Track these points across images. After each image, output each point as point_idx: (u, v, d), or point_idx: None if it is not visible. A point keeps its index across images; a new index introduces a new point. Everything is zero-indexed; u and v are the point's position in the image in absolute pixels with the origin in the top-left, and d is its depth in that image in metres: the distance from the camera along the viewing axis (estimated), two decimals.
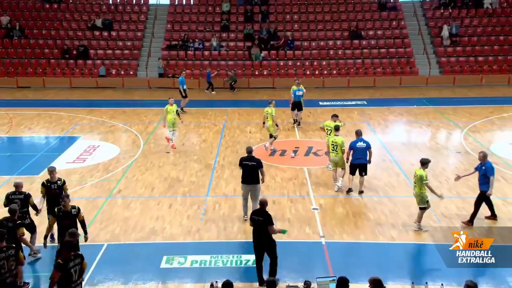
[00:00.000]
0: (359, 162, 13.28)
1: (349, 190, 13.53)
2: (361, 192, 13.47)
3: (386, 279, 8.82)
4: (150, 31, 30.97)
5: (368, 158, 13.30)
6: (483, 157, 11.59)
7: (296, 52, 29.55)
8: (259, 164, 11.75)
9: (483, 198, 11.59)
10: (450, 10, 31.18)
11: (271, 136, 16.72)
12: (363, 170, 13.32)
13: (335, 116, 15.05)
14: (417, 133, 20.05)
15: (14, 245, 8.26)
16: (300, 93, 19.60)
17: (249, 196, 11.93)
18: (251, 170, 11.75)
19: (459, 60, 28.95)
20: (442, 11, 31.22)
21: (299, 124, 19.98)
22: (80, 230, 9.23)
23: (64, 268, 7.53)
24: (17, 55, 29.48)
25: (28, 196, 10.38)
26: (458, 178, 12.00)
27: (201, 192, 13.81)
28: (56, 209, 9.51)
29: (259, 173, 11.78)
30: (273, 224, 9.22)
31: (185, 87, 22.37)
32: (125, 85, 28.12)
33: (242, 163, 11.90)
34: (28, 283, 9.48)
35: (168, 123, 17.12)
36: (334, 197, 13.41)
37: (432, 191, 11.41)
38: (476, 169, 11.77)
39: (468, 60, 28.90)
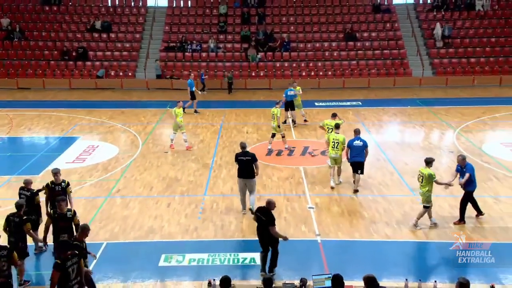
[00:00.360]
0: (355, 160, 13.38)
1: (355, 191, 13.66)
2: (356, 191, 13.50)
3: (380, 276, 8.84)
4: (148, 33, 30.93)
5: (365, 157, 13.39)
6: (462, 160, 11.65)
7: (292, 54, 29.57)
8: (253, 158, 12.02)
9: (468, 198, 11.62)
10: (443, 12, 31.27)
11: (273, 135, 16.93)
12: (359, 168, 13.39)
13: (334, 115, 15.33)
14: (410, 133, 20.08)
15: (7, 246, 8.19)
16: (292, 92, 19.80)
17: (246, 190, 12.18)
18: (246, 164, 12.01)
19: (452, 62, 29.04)
20: (435, 13, 31.30)
21: (294, 123, 20.06)
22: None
23: (63, 267, 7.56)
24: (17, 57, 29.41)
25: (34, 194, 10.40)
26: (448, 185, 11.96)
27: (198, 191, 13.80)
28: (52, 211, 9.50)
29: (254, 167, 12.01)
30: (274, 225, 9.26)
31: (193, 89, 22.31)
32: (123, 86, 28.08)
33: (238, 158, 12.17)
34: (28, 281, 9.46)
35: (175, 126, 16.96)
36: (329, 196, 13.42)
37: (442, 183, 11.54)
38: (457, 171, 11.76)
39: (461, 62, 28.99)
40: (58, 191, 10.41)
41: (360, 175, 13.46)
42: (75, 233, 9.28)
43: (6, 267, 7.99)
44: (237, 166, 12.31)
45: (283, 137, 16.89)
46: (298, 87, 19.99)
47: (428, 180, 11.16)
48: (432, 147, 17.66)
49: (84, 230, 8.39)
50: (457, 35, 30.18)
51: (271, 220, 9.25)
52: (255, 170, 12.06)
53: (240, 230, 11.52)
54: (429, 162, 11.40)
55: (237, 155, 12.25)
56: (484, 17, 31.05)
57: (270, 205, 9.40)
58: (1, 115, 22.17)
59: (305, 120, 20.47)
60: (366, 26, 30.88)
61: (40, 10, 31.68)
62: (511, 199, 13.12)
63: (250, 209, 12.03)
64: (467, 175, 11.40)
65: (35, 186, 11.12)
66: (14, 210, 9.51)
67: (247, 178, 12.03)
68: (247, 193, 12.23)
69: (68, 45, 29.69)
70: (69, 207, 9.86)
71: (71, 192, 10.78)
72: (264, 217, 9.30)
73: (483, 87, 27.14)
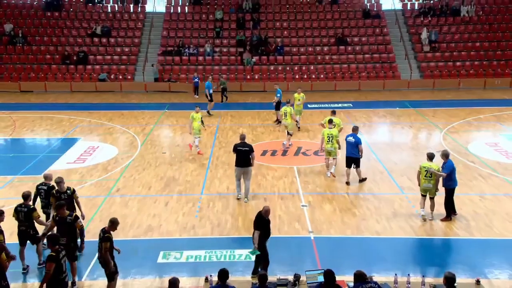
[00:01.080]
0: (349, 155, 13.77)
1: (347, 183, 13.90)
2: (361, 180, 13.91)
3: (370, 271, 8.86)
4: (146, 37, 30.87)
5: (359, 154, 13.68)
6: (442, 155, 11.70)
7: (285, 58, 29.58)
8: (251, 149, 12.63)
9: (450, 196, 11.65)
10: (430, 18, 31.39)
11: (288, 133, 17.29)
12: (354, 163, 13.77)
13: (334, 112, 15.90)
14: (399, 133, 20.14)
15: None
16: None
17: (242, 178, 12.72)
18: (244, 154, 12.55)
19: (438, 65, 29.15)
20: (422, 19, 31.42)
21: (279, 123, 20.24)
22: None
23: (57, 258, 7.64)
24: (20, 61, 29.25)
25: (51, 188, 10.38)
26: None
27: (196, 191, 13.77)
28: (54, 214, 9.40)
29: (251, 158, 12.45)
30: (255, 230, 9.04)
31: (211, 91, 22.22)
32: (123, 89, 28.00)
33: (237, 148, 12.69)
34: (28, 266, 9.62)
35: (195, 130, 16.55)
36: (322, 194, 13.43)
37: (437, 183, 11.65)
38: (442, 168, 11.81)
39: (447, 65, 29.11)
40: (64, 199, 10.02)
41: (357, 168, 13.82)
42: (78, 237, 9.26)
43: None
44: (234, 154, 12.82)
45: (289, 134, 17.27)
46: (302, 93, 19.77)
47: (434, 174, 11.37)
48: (420, 147, 17.71)
49: (114, 223, 8.53)
50: (443, 39, 30.31)
51: (254, 224, 9.12)
52: (252, 161, 12.59)
53: (236, 228, 11.50)
54: (433, 157, 11.57)
55: (236, 146, 12.78)
56: (469, 22, 31.19)
57: (265, 213, 9.14)
58: (4, 117, 22.04)
59: (298, 128, 20.09)
60: (356, 31, 30.95)
61: (42, 15, 31.52)
62: (495, 196, 13.18)
63: (246, 200, 12.80)
64: (443, 174, 11.43)
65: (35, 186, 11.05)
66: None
67: (244, 166, 12.56)
68: (242, 181, 12.78)
69: (69, 50, 29.57)
70: (74, 211, 9.79)
71: (77, 197, 10.48)
72: (255, 221, 9.17)
73: (468, 90, 27.28)
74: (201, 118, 16.77)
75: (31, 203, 9.85)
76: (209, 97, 22.20)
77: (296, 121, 19.48)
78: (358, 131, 14.11)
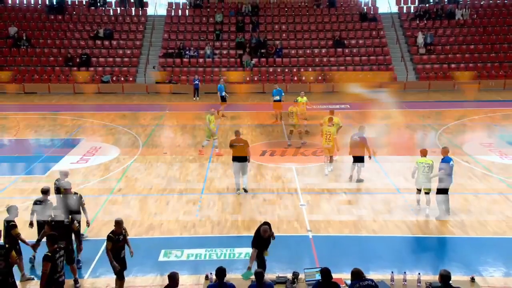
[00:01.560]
0: (355, 154, 13.88)
1: (350, 177, 14.04)
2: (358, 180, 13.89)
3: (367, 269, 8.86)
4: (148, 40, 30.86)
5: (367, 152, 13.76)
6: (442, 151, 11.75)
7: (284, 60, 29.59)
8: (245, 144, 13.13)
9: (445, 192, 11.63)
10: (425, 21, 31.42)
11: (291, 132, 17.50)
12: (359, 161, 13.83)
13: (332, 112, 16.17)
14: (395, 134, 20.10)
15: (6, 245, 8.09)
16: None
17: (240, 172, 13.09)
18: (240, 149, 13.00)
19: (434, 67, 29.18)
20: (418, 22, 31.46)
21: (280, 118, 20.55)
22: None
23: (53, 258, 7.58)
24: (24, 63, 29.24)
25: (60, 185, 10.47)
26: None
27: (196, 190, 13.75)
28: (49, 219, 9.23)
29: (247, 152, 12.96)
30: (253, 248, 8.71)
31: (223, 94, 22.16)
32: (124, 90, 27.98)
33: (233, 144, 12.99)
34: (34, 258, 9.62)
35: (210, 132, 16.41)
36: (320, 194, 13.42)
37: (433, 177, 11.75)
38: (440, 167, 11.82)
39: (442, 67, 29.14)
40: None
41: (361, 167, 13.89)
42: (73, 240, 9.23)
43: (3, 266, 7.86)
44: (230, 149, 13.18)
45: (299, 132, 17.56)
46: (305, 97, 19.61)
47: (433, 168, 11.44)
48: (416, 147, 17.64)
49: (117, 224, 8.52)
50: (438, 42, 30.34)
51: (254, 242, 8.76)
52: (248, 154, 12.99)
53: (236, 227, 11.49)
54: (426, 153, 11.71)
55: (232, 141, 13.17)
56: (463, 25, 31.23)
57: (264, 233, 8.69)
58: (9, 118, 22.03)
59: (306, 130, 19.84)
60: (353, 33, 30.96)
61: (46, 19, 31.51)
62: (489, 196, 13.19)
63: (244, 189, 13.13)
64: (441, 171, 11.45)
65: (40, 185, 11.02)
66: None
67: (241, 161, 12.93)
68: (241, 175, 13.09)
69: (72, 52, 29.55)
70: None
71: (84, 204, 10.28)
72: (253, 238, 8.86)
73: (463, 91, 27.28)
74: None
75: (49, 197, 9.88)
76: (220, 99, 22.19)
77: (305, 119, 19.38)
78: (365, 130, 14.08)
